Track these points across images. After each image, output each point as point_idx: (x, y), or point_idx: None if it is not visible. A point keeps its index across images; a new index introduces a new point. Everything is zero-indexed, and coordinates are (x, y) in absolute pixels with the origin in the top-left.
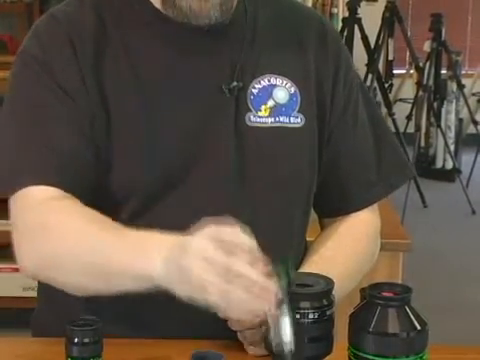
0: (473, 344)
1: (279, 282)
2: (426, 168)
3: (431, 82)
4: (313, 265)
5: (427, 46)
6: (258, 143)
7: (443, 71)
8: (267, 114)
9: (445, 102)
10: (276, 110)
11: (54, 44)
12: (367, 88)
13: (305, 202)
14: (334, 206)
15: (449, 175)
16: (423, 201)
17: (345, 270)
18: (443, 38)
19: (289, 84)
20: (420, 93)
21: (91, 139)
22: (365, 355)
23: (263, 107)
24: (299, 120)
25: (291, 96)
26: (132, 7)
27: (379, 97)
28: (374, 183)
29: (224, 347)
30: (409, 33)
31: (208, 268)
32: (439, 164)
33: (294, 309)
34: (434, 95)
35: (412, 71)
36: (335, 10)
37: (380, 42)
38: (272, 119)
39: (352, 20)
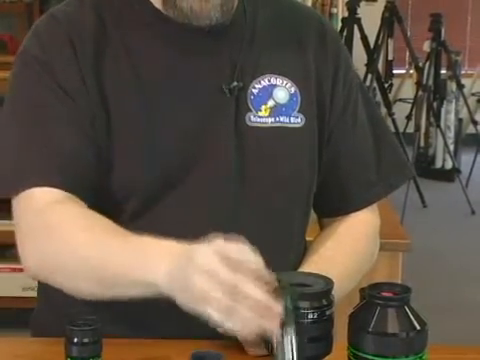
0: (472, 344)
1: (284, 302)
2: (426, 168)
3: (431, 82)
4: (313, 265)
5: (427, 46)
6: (258, 143)
7: (443, 71)
8: (267, 114)
9: (445, 102)
10: (276, 110)
11: (54, 44)
12: (367, 88)
13: (305, 202)
14: (334, 206)
15: (448, 175)
16: (422, 201)
17: (345, 270)
18: (443, 38)
19: (289, 84)
20: (420, 93)
21: (92, 139)
22: (364, 355)
23: (263, 107)
24: (299, 120)
25: (291, 96)
26: (132, 7)
27: (379, 97)
28: (374, 183)
29: (224, 347)
30: (409, 33)
31: (212, 283)
32: (439, 164)
33: (298, 329)
34: (434, 95)
35: (412, 71)
36: (334, 10)
37: (380, 42)
38: (272, 119)
39: (351, 20)
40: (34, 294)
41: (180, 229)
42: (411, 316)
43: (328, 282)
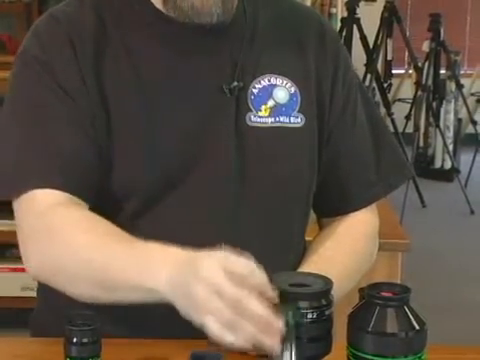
0: (472, 344)
1: (285, 318)
2: (425, 168)
3: (430, 82)
4: (312, 265)
5: (426, 46)
6: (258, 143)
7: (442, 71)
8: (267, 114)
9: (444, 102)
10: (276, 110)
11: (54, 44)
12: (366, 88)
13: (304, 202)
14: (333, 206)
15: (448, 175)
16: (422, 201)
17: (344, 270)
18: (442, 38)
19: (289, 84)
20: (419, 93)
21: (93, 139)
22: (364, 355)
23: (263, 107)
24: (299, 120)
25: (291, 96)
26: (132, 7)
27: (378, 97)
28: (373, 183)
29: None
30: (408, 33)
31: (214, 295)
32: (438, 164)
33: (298, 345)
34: (433, 95)
35: (411, 71)
36: (334, 10)
37: (379, 42)
38: (272, 119)
39: (351, 20)
40: (33, 294)
41: (180, 229)
42: (410, 316)
43: (327, 282)
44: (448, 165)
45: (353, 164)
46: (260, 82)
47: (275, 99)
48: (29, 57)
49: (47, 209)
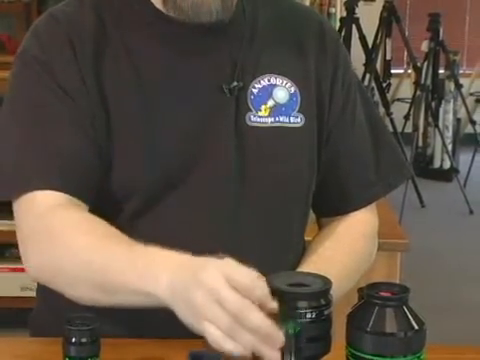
0: (471, 344)
1: (285, 329)
2: (424, 168)
3: (429, 82)
4: (312, 265)
5: (425, 46)
6: (258, 143)
7: (441, 71)
8: (267, 114)
9: (443, 102)
10: (276, 110)
11: (54, 44)
12: (365, 88)
13: (304, 202)
14: (333, 205)
15: (447, 175)
16: (421, 201)
17: (343, 269)
18: (441, 38)
19: (289, 84)
20: (418, 93)
21: (93, 139)
22: (363, 355)
23: (263, 107)
24: (299, 120)
25: (291, 96)
26: (132, 7)
27: (377, 97)
28: (373, 183)
29: None
30: (407, 33)
31: (215, 303)
32: (437, 164)
33: (297, 356)
34: (432, 95)
35: (410, 71)
36: (333, 10)
37: (378, 42)
38: (272, 119)
39: (350, 20)
40: (33, 294)
41: (180, 229)
42: (409, 316)
43: (326, 282)
44: (447, 165)
45: (352, 164)
46: (260, 82)
47: (275, 99)
48: (29, 57)
49: (47, 211)
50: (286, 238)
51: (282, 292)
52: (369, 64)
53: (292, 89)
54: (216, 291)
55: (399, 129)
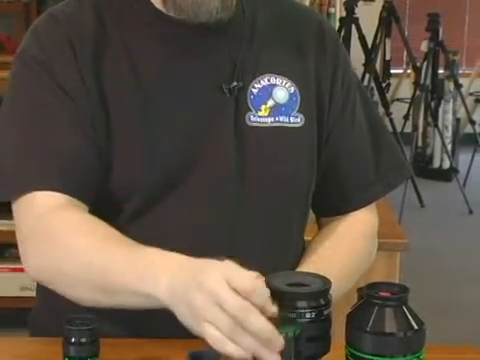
0: (471, 344)
1: (285, 333)
2: (423, 168)
3: (428, 82)
4: (311, 265)
5: (424, 46)
6: (258, 143)
7: (440, 71)
8: (267, 114)
9: (442, 102)
10: (276, 110)
11: (54, 44)
12: (365, 88)
13: (304, 201)
14: (332, 205)
15: (446, 175)
16: (420, 201)
17: (343, 269)
18: (440, 38)
19: (289, 84)
20: (417, 93)
21: (92, 139)
22: (362, 355)
23: (263, 107)
24: (299, 120)
25: (291, 96)
26: (131, 7)
27: (376, 97)
28: (372, 182)
29: None
30: (406, 33)
31: (215, 306)
32: (436, 164)
33: (297, 358)
34: (431, 95)
35: (409, 71)
36: (332, 10)
37: (377, 42)
38: (272, 119)
39: (349, 20)
40: (32, 294)
41: (180, 229)
42: (409, 316)
43: (326, 282)
44: (447, 165)
45: (352, 164)
46: (260, 82)
47: (275, 99)
48: (28, 57)
49: (47, 212)
50: (286, 238)
51: (281, 292)
52: (368, 64)
53: (292, 89)
54: (216, 293)
55: (398, 129)
